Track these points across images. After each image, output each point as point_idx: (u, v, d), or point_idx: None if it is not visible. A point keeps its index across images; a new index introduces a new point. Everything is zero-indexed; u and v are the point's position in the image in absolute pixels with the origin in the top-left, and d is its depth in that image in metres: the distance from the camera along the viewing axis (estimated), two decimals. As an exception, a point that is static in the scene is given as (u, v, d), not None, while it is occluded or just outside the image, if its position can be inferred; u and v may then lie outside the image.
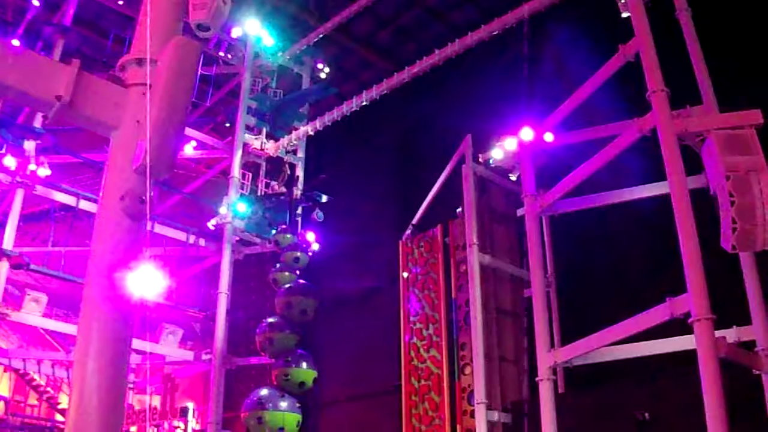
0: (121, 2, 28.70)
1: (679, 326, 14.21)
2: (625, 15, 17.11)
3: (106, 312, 8.58)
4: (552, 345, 17.84)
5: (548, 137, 18.76)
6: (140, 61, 9.66)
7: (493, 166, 20.59)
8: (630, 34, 16.38)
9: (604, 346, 16.29)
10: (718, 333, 13.47)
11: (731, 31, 20.37)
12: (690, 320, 13.36)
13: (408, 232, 23.04)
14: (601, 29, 19.24)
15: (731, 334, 15.29)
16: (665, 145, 14.72)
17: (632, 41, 16.22)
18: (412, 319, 21.85)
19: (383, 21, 30.41)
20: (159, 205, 29.42)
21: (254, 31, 29.39)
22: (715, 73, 17.01)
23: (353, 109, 24.86)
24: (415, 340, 21.56)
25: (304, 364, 23.49)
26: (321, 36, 28.77)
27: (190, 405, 28.87)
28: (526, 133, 18.94)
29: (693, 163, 15.21)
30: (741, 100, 15.61)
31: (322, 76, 30.97)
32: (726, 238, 13.72)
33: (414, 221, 23.13)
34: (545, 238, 20.70)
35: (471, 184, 20.41)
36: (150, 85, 9.29)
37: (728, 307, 14.52)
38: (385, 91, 23.89)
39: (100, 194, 9.47)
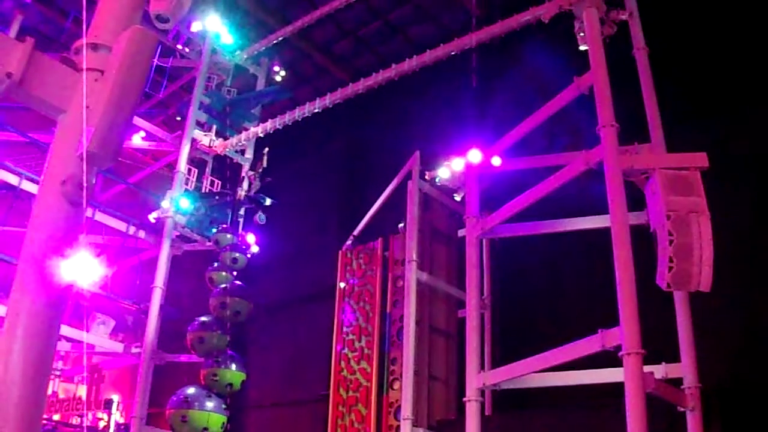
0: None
1: (608, 358, 14.32)
2: (582, 48, 17.30)
3: (37, 296, 8.44)
4: (482, 367, 17.91)
5: (496, 161, 18.92)
6: (95, 46, 9.54)
7: (439, 184, 20.69)
8: (586, 66, 16.57)
9: (534, 372, 16.39)
10: (647, 368, 13.61)
11: (686, 72, 20.69)
12: (620, 353, 13.51)
13: (349, 242, 23.06)
14: (558, 59, 19.38)
15: (659, 370, 15.48)
16: (610, 180, 14.90)
17: (587, 74, 16.41)
18: (345, 329, 21.84)
19: (344, 30, 30.49)
20: (102, 193, 29.15)
21: (214, 27, 29.23)
22: (666, 112, 17.25)
23: (305, 115, 24.78)
24: (346, 350, 21.54)
25: (234, 366, 23.38)
26: (280, 39, 28.78)
27: (116, 397, 28.59)
28: (474, 155, 19.11)
29: (635, 200, 15.41)
30: (689, 141, 15.83)
31: (278, 79, 30.90)
32: (662, 276, 13.96)
33: (355, 232, 23.16)
34: (484, 261, 20.85)
35: (416, 200, 20.48)
36: (102, 72, 9.19)
37: (658, 343, 14.67)
38: (339, 101, 23.84)
39: (42, 176, 9.34)
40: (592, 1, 17.18)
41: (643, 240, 15.00)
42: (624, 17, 17.84)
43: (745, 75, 20.13)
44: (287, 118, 25.43)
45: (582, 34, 17.39)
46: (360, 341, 21.39)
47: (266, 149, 26.81)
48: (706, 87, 20.84)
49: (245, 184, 27.44)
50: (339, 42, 31.20)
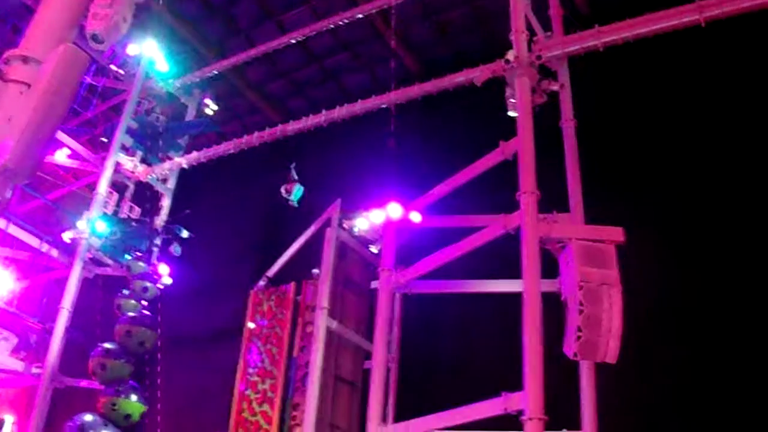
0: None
1: (511, 421, 14.37)
2: (511, 114, 17.54)
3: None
4: (384, 420, 17.89)
5: (415, 217, 19.03)
6: (26, 59, 9.44)
7: (356, 234, 20.74)
8: (513, 131, 16.80)
9: (435, 430, 16.36)
10: (548, 434, 13.70)
11: (610, 148, 21.11)
12: (522, 418, 13.60)
13: (261, 283, 22.89)
14: (488, 122, 19.60)
15: (561, 437, 15.59)
16: (526, 246, 15.12)
17: (513, 140, 16.67)
18: (250, 370, 21.63)
19: (279, 71, 30.56)
20: (18, 206, 28.56)
21: (150, 52, 28.96)
22: (589, 184, 17.56)
23: (232, 151, 24.71)
24: (249, 392, 21.32)
25: (134, 397, 22.91)
26: (215, 72, 28.68)
27: (9, 418, 27.85)
28: (394, 210, 19.22)
29: (550, 267, 15.60)
30: (608, 215, 16.07)
31: (208, 112, 30.62)
32: (569, 345, 14.15)
33: (269, 273, 23.02)
34: (395, 314, 20.89)
35: (332, 248, 20.48)
36: (29, 85, 9.09)
37: (561, 410, 14.77)
38: (267, 140, 23.82)
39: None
40: (525, 70, 17.47)
41: (553, 307, 15.14)
42: (555, 88, 18.18)
43: (665, 154, 20.68)
44: (213, 152, 25.34)
45: (512, 100, 17.64)
46: (264, 384, 21.19)
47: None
48: (630, 162, 21.32)
49: (163, 213, 27.18)
50: (273, 82, 31.26)
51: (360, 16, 25.00)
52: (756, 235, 19.46)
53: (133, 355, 23.64)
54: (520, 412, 13.73)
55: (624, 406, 18.31)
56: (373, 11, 24.85)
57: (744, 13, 16.04)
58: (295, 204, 22.81)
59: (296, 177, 22.69)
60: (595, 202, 17.67)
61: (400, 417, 19.20)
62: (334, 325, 20.13)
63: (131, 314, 24.29)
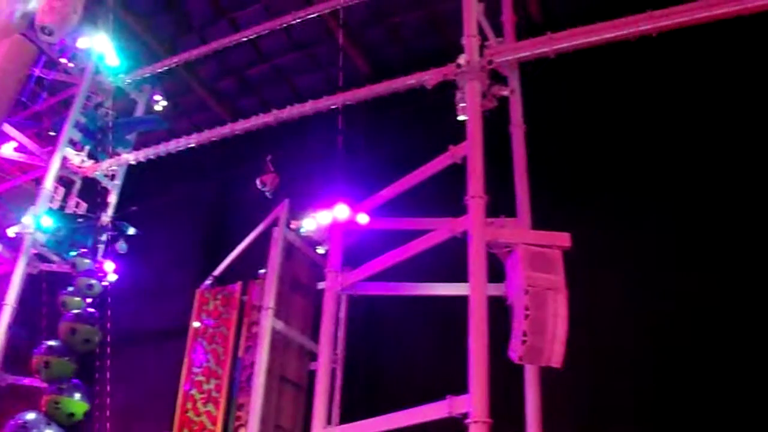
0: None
1: (456, 424, 14.38)
2: (461, 118, 17.56)
3: None
4: (329, 422, 17.90)
5: (362, 219, 19.03)
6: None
7: (303, 235, 20.67)
8: (462, 136, 16.83)
9: (380, 432, 16.37)
10: (494, 438, 13.74)
11: (559, 154, 21.27)
12: (467, 421, 13.62)
13: (208, 282, 22.71)
14: (437, 125, 19.62)
15: (507, 441, 15.64)
16: (473, 250, 15.13)
17: (463, 145, 16.69)
18: (195, 370, 21.45)
19: (230, 69, 30.39)
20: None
21: (101, 46, 28.56)
22: (537, 189, 17.67)
23: (180, 148, 24.52)
24: (194, 391, 21.15)
25: (77, 395, 22.67)
26: (165, 68, 28.44)
27: (-55, 416, 27.44)
28: (341, 211, 19.20)
29: (496, 271, 15.66)
30: (555, 220, 16.17)
31: (158, 108, 30.19)
32: (514, 349, 14.27)
33: (216, 273, 22.84)
34: (341, 315, 20.90)
35: (279, 248, 20.42)
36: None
37: (507, 414, 14.81)
38: (216, 138, 23.69)
39: None
40: (475, 74, 17.49)
41: (499, 311, 15.19)
42: (505, 93, 18.25)
43: (612, 160, 20.90)
44: (162, 148, 25.09)
45: (463, 104, 17.65)
46: (209, 383, 21.04)
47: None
48: (577, 168, 21.50)
49: (110, 210, 26.90)
50: (223, 80, 31.12)
51: (313, 15, 24.93)
52: (700, 236, 19.82)
53: (77, 353, 23.40)
54: (465, 415, 13.75)
55: (569, 409, 18.47)
56: (327, 11, 24.79)
57: (695, 24, 16.19)
58: (270, 196, 22.73)
59: (273, 168, 22.57)
60: (542, 207, 17.77)
61: (345, 419, 19.21)
62: (280, 325, 20.04)
63: (76, 311, 24.02)
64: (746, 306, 18.75)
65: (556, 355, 14.23)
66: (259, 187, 22.46)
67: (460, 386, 14.02)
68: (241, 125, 23.17)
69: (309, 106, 21.51)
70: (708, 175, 20.36)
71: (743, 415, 17.72)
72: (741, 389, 18.03)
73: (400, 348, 22.80)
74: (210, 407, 20.70)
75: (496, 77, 18.27)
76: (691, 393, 18.45)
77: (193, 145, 24.23)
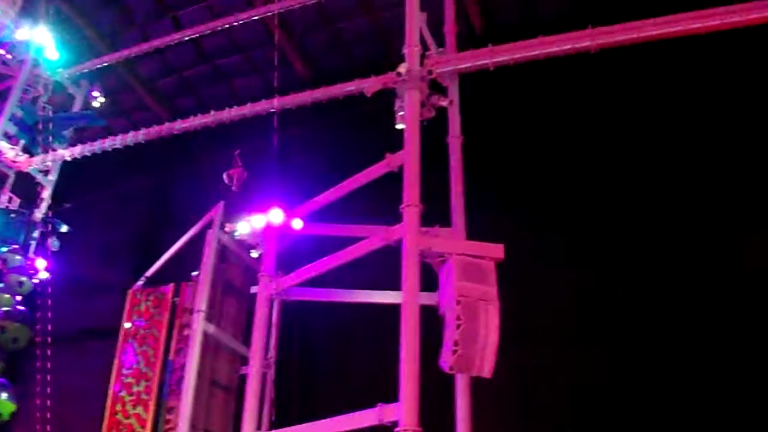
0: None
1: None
2: (399, 126, 17.56)
3: None
4: (259, 427, 17.85)
5: (297, 224, 19.00)
6: None
7: (237, 238, 20.55)
8: (400, 144, 16.84)
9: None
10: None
11: (495, 166, 21.41)
12: (396, 429, 13.57)
13: (140, 283, 22.47)
14: (375, 133, 19.65)
15: (437, 450, 15.68)
16: (406, 259, 15.09)
17: (399, 153, 16.66)
18: (124, 371, 21.20)
19: (170, 68, 30.20)
20: None
21: (41, 39, 28.18)
22: (472, 200, 17.74)
23: (116, 146, 24.22)
24: (123, 393, 20.91)
25: (4, 395, 22.45)
26: (105, 65, 28.14)
27: None
28: (276, 215, 19.17)
29: (429, 280, 15.68)
30: (489, 231, 16.24)
31: (96, 104, 29.80)
32: (446, 359, 14.25)
33: (148, 273, 22.61)
34: (274, 320, 20.82)
35: (212, 251, 20.23)
36: None
37: (437, 423, 14.84)
38: (153, 138, 23.47)
39: None
40: (414, 84, 17.45)
41: (432, 320, 15.22)
42: (444, 104, 18.24)
43: (547, 174, 21.12)
44: (98, 146, 24.75)
45: (401, 113, 17.65)
46: (138, 385, 20.81)
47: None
48: (513, 180, 21.67)
49: (43, 206, 26.55)
50: (163, 79, 30.90)
51: (255, 18, 24.86)
52: (633, 247, 20.12)
53: (5, 352, 23.09)
54: (395, 424, 13.74)
55: (499, 419, 18.57)
56: (270, 14, 24.70)
57: (634, 44, 16.37)
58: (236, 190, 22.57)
59: (240, 163, 22.39)
60: (477, 218, 17.85)
61: (276, 424, 19.13)
62: (211, 328, 19.86)
63: (5, 309, 23.74)
64: (673, 306, 19.25)
65: (487, 365, 14.23)
66: (226, 181, 22.23)
67: (393, 395, 14.01)
68: (179, 125, 22.93)
69: (248, 109, 21.39)
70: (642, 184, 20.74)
71: (666, 416, 18.04)
72: (665, 388, 18.38)
73: (334, 354, 22.80)
74: (139, 410, 20.49)
75: (436, 87, 18.28)
76: (619, 398, 18.71)
77: (130, 143, 23.94)
